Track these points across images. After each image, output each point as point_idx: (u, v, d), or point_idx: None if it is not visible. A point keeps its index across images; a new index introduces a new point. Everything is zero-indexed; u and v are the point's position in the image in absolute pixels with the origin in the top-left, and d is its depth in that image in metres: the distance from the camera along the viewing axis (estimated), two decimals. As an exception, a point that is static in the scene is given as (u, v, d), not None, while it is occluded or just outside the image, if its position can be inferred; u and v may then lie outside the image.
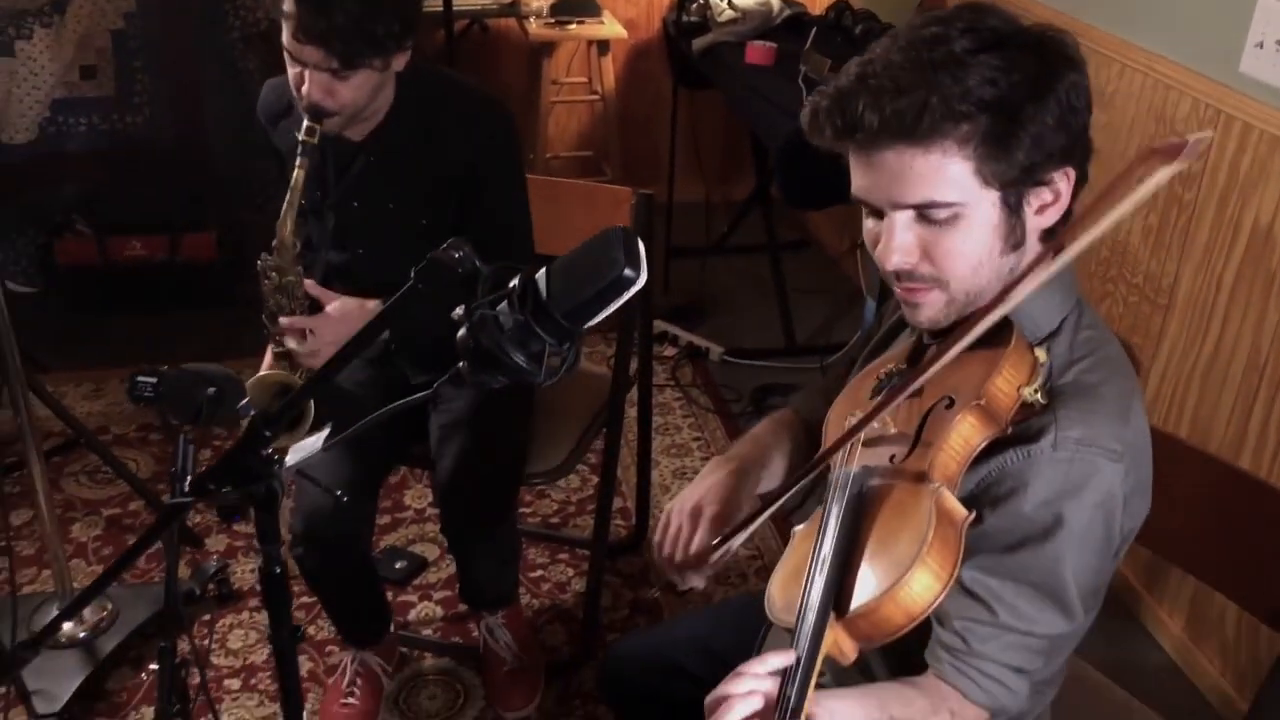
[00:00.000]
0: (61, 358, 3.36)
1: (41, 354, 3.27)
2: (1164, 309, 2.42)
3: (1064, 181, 1.14)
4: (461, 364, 1.02)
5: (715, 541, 1.34)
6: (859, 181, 1.17)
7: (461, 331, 1.01)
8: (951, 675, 1.17)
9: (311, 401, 1.90)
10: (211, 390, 1.53)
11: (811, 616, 1.07)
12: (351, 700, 2.21)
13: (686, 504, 1.40)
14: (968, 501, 1.16)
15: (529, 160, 4.10)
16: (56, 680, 2.21)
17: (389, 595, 2.52)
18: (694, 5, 3.71)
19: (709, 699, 1.09)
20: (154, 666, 2.25)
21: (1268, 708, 1.50)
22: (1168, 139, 0.99)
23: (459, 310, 1.01)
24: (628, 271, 0.94)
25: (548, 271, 0.98)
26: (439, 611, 2.52)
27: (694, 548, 1.35)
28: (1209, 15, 2.25)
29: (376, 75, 1.85)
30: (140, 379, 1.52)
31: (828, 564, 1.10)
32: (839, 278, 3.93)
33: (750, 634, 1.56)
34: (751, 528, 1.29)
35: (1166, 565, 2.38)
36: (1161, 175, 0.92)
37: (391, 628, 2.32)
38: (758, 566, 2.66)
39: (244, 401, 1.24)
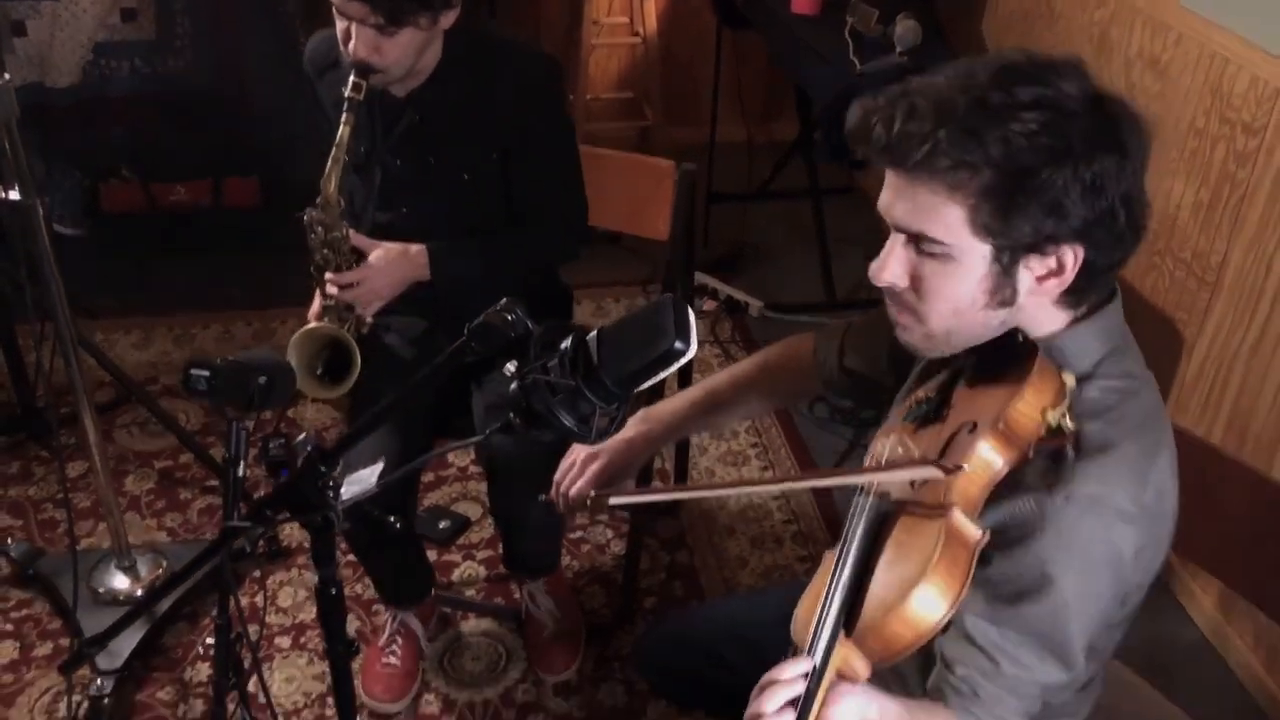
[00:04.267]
0: (108, 303, 3.42)
1: (89, 299, 3.33)
2: (1211, 287, 2.39)
3: (1071, 258, 1.12)
4: (513, 417, 1.05)
5: (592, 493, 1.55)
6: (882, 194, 1.18)
7: (513, 387, 1.03)
8: (961, 714, 1.20)
9: (359, 359, 1.94)
10: (263, 379, 1.57)
11: (825, 634, 1.11)
12: (392, 660, 2.29)
13: (590, 448, 1.57)
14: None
15: (570, 101, 4.07)
16: (116, 638, 2.29)
17: (432, 555, 2.59)
18: (739, -53, 3.63)
19: (761, 682, 1.11)
20: (210, 641, 2.34)
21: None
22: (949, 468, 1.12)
23: (510, 366, 1.03)
24: (678, 344, 0.96)
25: (599, 337, 1.00)
26: (481, 571, 2.58)
27: (574, 491, 1.57)
28: (1273, -12, 2.19)
29: (424, 33, 1.84)
30: (194, 372, 1.55)
31: (843, 584, 1.14)
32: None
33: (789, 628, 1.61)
34: (627, 500, 1.44)
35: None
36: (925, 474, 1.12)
37: (432, 589, 2.39)
38: (793, 531, 2.70)
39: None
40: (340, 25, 1.86)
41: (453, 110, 1.99)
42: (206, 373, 1.54)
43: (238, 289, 3.53)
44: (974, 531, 1.11)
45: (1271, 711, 2.26)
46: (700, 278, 3.50)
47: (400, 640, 2.31)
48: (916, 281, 1.17)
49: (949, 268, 1.14)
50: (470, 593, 2.54)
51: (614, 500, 1.44)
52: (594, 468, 1.56)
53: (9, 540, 2.59)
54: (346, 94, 1.86)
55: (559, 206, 2.11)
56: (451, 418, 2.21)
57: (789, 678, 1.08)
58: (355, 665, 2.31)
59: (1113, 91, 1.13)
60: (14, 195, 2.00)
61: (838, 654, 1.10)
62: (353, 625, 2.43)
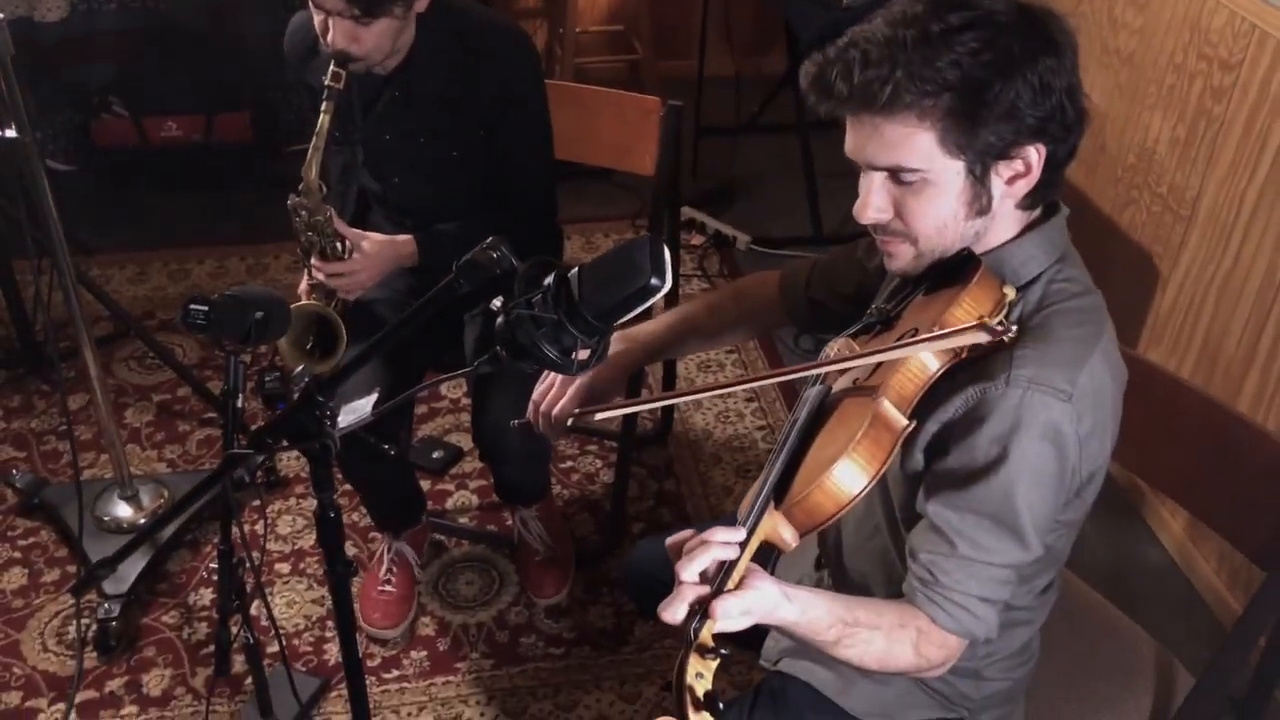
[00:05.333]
0: (103, 238, 3.46)
1: (84, 235, 3.36)
2: (1186, 220, 2.44)
3: (1035, 156, 1.22)
4: (500, 349, 1.11)
5: (576, 411, 1.55)
6: (847, 140, 1.26)
7: (499, 321, 1.09)
8: (922, 603, 1.28)
9: (345, 334, 2.00)
10: (259, 314, 1.63)
11: (758, 505, 1.18)
12: (389, 587, 2.37)
13: None
14: (940, 435, 1.27)
15: (558, 35, 4.07)
16: (121, 564, 2.36)
17: (427, 484, 2.67)
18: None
19: (692, 541, 1.15)
20: (214, 565, 2.42)
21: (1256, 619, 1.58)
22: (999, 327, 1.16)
23: (497, 302, 1.09)
24: (653, 281, 1.02)
25: (580, 273, 1.06)
26: (474, 500, 2.66)
27: (557, 410, 1.57)
28: (1252, -76, 2.21)
29: (399, 20, 1.88)
30: (192, 308, 1.61)
31: (780, 463, 1.22)
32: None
33: None
34: (611, 414, 1.49)
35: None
36: (975, 338, 1.13)
37: (424, 515, 2.47)
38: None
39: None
40: (318, 17, 1.89)
41: (433, 88, 2.03)
42: (204, 308, 1.59)
43: (231, 223, 3.57)
44: (900, 419, 1.20)
45: (1234, 630, 2.35)
46: (688, 212, 3.55)
47: (396, 568, 2.39)
48: (900, 210, 1.25)
49: (929, 191, 1.23)
50: (464, 520, 2.62)
51: (598, 416, 1.47)
52: (575, 388, 1.58)
53: (14, 471, 2.66)
54: (327, 83, 1.90)
55: (534, 190, 2.17)
56: (443, 351, 2.27)
57: (719, 540, 1.12)
58: (353, 592, 2.40)
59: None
60: (9, 133, 2.04)
61: (766, 523, 1.17)
62: (350, 552, 2.52)
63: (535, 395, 1.61)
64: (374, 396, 1.27)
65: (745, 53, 4.29)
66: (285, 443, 1.27)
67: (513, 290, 1.08)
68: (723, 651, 1.04)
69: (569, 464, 2.75)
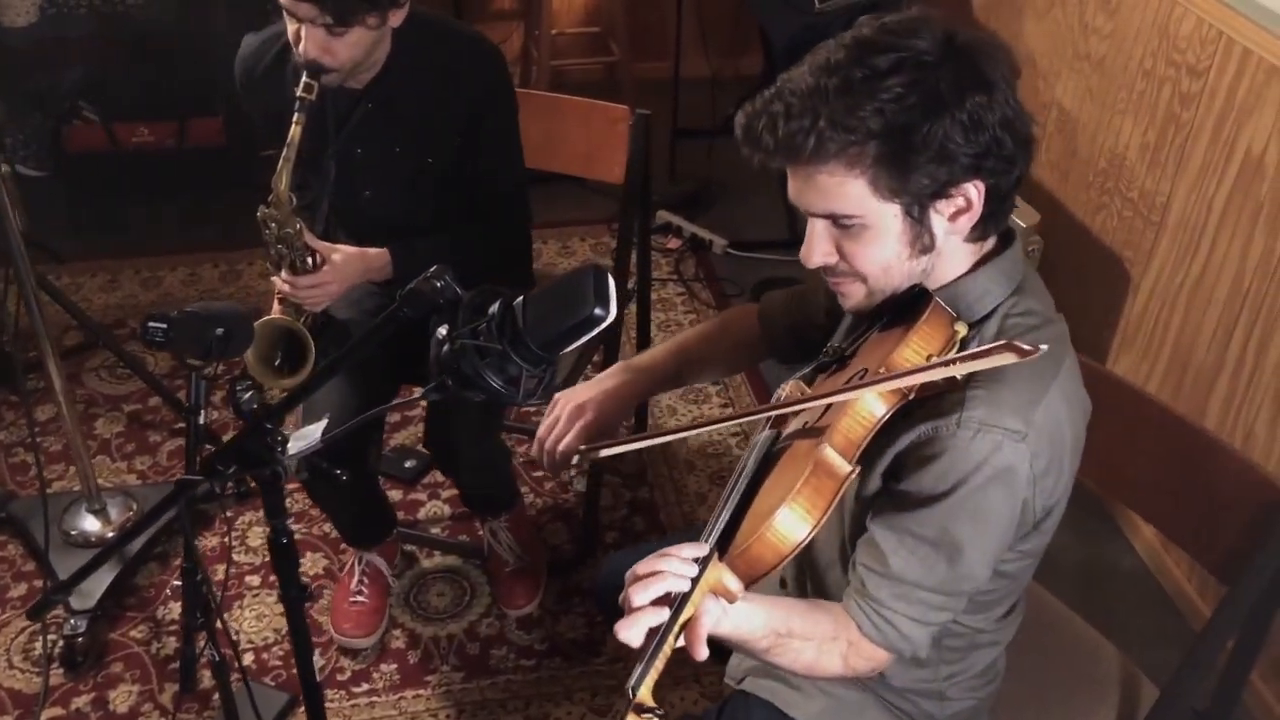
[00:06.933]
0: (75, 245, 3.44)
1: (55, 242, 3.34)
2: (1156, 226, 2.44)
3: (975, 192, 1.20)
4: (445, 378, 1.10)
5: (582, 448, 1.49)
6: (789, 187, 1.24)
7: (444, 350, 1.08)
8: (853, 610, 1.29)
9: (314, 349, 1.99)
10: (220, 331, 1.61)
11: (704, 555, 1.16)
12: (360, 599, 2.36)
13: (572, 402, 1.55)
14: (894, 464, 1.26)
15: (535, 37, 4.05)
16: (89, 578, 2.34)
17: (399, 494, 2.65)
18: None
19: (642, 568, 1.12)
20: (178, 583, 2.41)
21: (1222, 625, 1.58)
22: (1030, 349, 1.05)
23: (442, 331, 1.08)
24: (597, 311, 1.01)
25: (525, 302, 1.05)
26: (446, 510, 2.65)
27: (562, 446, 1.52)
28: (1219, -70, 2.21)
29: (373, 32, 1.86)
30: (151, 324, 1.59)
31: (725, 512, 1.22)
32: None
33: None
34: (619, 449, 1.45)
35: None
36: (1004, 359, 1.06)
37: (394, 530, 2.45)
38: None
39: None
40: (291, 27, 1.88)
41: (406, 101, 2.02)
42: (164, 325, 1.57)
43: (204, 230, 3.55)
44: (843, 467, 1.18)
45: (1205, 635, 2.35)
46: (664, 215, 3.54)
47: (367, 579, 2.38)
48: (843, 253, 1.25)
49: (868, 234, 1.22)
50: (435, 530, 2.61)
51: (605, 452, 1.43)
52: (582, 423, 1.53)
53: (-20, 484, 2.64)
54: (299, 94, 1.88)
55: (505, 201, 2.16)
56: (412, 364, 2.25)
57: (674, 573, 1.10)
58: (324, 603, 2.39)
59: (962, 30, 1.19)
60: (-31, 146, 2.02)
61: (710, 574, 1.15)
62: (320, 564, 2.51)
63: (540, 432, 1.55)
64: (324, 423, 1.26)
65: (721, 54, 4.28)
66: (236, 469, 1.26)
67: (457, 319, 1.06)
68: (659, 713, 1.02)
69: (542, 472, 2.74)
